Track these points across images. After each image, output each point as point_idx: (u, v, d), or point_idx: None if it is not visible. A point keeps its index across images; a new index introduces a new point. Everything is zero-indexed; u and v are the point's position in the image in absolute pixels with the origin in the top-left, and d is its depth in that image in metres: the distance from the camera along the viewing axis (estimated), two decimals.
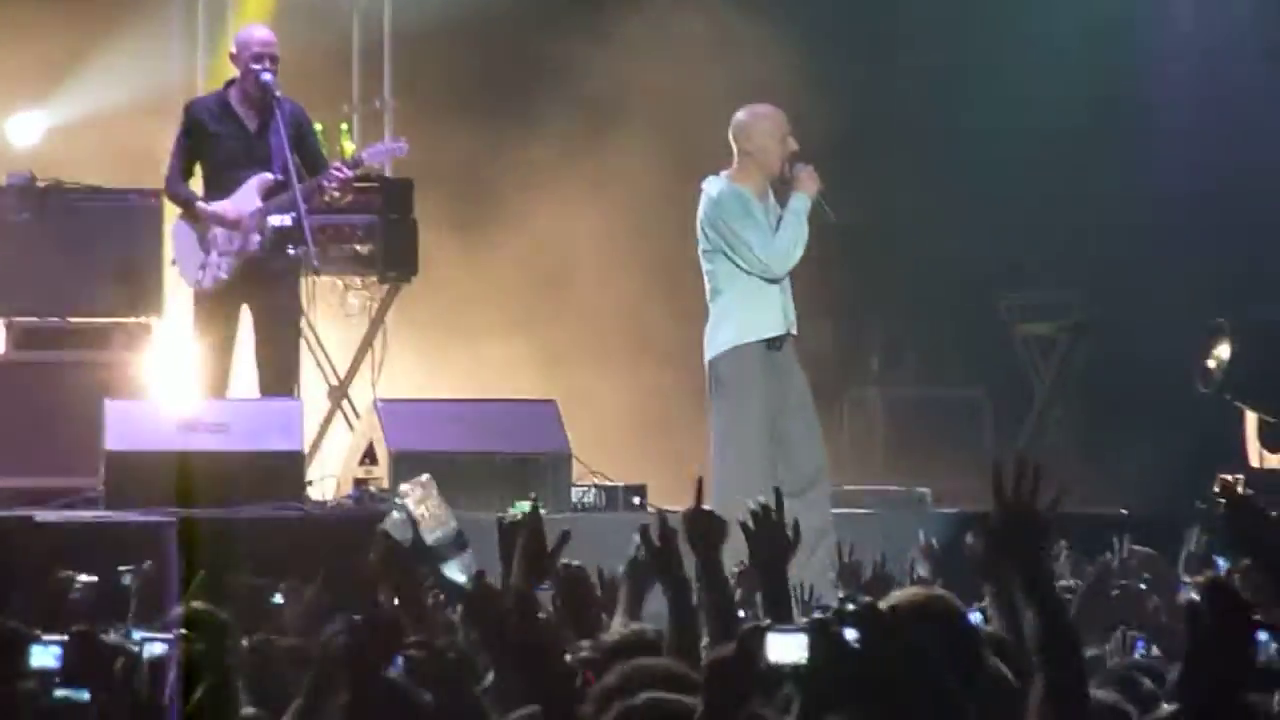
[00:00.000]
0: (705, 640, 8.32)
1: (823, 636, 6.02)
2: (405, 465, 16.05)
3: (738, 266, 15.05)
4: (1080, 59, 21.00)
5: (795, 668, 6.13)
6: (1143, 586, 11.27)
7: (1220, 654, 5.58)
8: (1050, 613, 6.44)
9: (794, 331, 15.45)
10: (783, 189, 15.09)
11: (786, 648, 6.16)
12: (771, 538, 8.38)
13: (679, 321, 17.84)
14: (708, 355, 15.28)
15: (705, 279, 15.28)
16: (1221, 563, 11.17)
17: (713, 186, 15.08)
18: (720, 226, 14.98)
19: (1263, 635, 6.84)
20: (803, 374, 15.47)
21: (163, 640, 8.23)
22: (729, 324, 15.15)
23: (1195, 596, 6.73)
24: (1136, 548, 11.58)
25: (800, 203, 14.89)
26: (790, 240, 14.97)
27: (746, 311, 15.13)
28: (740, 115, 15.26)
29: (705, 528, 8.71)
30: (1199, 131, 20.13)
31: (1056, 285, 21.12)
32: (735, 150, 15.07)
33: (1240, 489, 16.16)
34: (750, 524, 8.38)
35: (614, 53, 20.96)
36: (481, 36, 21.04)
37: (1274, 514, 9.05)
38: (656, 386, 19.26)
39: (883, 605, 6.60)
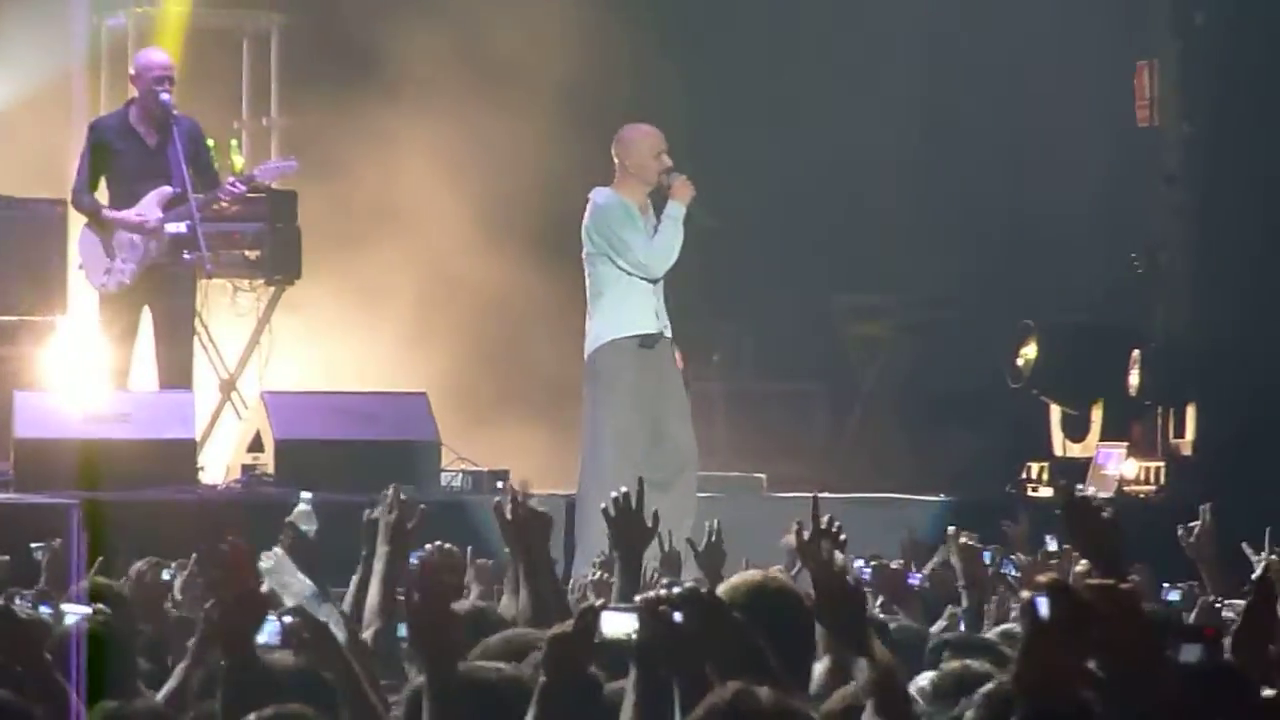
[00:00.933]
0: None
1: (651, 616, 6.14)
2: (289, 452, 16.53)
3: (619, 269, 15.37)
4: (912, 75, 21.09)
5: (627, 641, 6.27)
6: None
7: (1057, 648, 5.37)
8: (879, 672, 6.48)
9: (668, 333, 15.72)
10: (660, 199, 15.46)
11: (619, 624, 6.31)
12: (630, 525, 8.59)
13: (550, 316, 18.16)
14: (586, 350, 15.71)
15: (587, 280, 15.68)
16: (1051, 541, 11.33)
17: (599, 196, 15.41)
18: (605, 231, 15.31)
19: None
20: (678, 372, 15.81)
21: (78, 613, 8.66)
22: (606, 322, 15.50)
23: (1032, 594, 6.17)
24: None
25: (676, 210, 15.23)
26: (667, 243, 15.32)
27: (622, 311, 15.47)
28: (621, 133, 15.65)
29: (529, 524, 9.03)
30: (1011, 153, 20.32)
31: (884, 290, 21.12)
32: (617, 164, 15.44)
33: (1075, 490, 17.15)
34: (611, 511, 8.75)
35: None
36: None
37: (1104, 512, 9.73)
38: (528, 377, 19.21)
39: (720, 589, 6.98)
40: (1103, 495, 17.70)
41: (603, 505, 9.10)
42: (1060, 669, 5.14)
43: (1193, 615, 9.57)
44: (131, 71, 17.23)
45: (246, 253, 18.29)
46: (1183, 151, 19.56)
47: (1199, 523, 11.16)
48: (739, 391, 20.13)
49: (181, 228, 16.65)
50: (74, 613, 8.71)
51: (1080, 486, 16.21)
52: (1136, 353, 19.10)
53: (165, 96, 16.66)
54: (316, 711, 6.71)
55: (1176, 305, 19.65)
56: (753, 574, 7.54)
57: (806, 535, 8.26)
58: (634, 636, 6.16)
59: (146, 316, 16.90)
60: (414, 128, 20.66)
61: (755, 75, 21.14)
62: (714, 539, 10.79)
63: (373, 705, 6.94)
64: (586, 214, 15.48)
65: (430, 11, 20.78)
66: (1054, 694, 5.22)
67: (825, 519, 8.36)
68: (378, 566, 8.91)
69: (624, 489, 8.93)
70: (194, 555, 10.70)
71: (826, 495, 14.01)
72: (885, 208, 20.46)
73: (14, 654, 7.54)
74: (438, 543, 9.14)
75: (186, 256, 16.71)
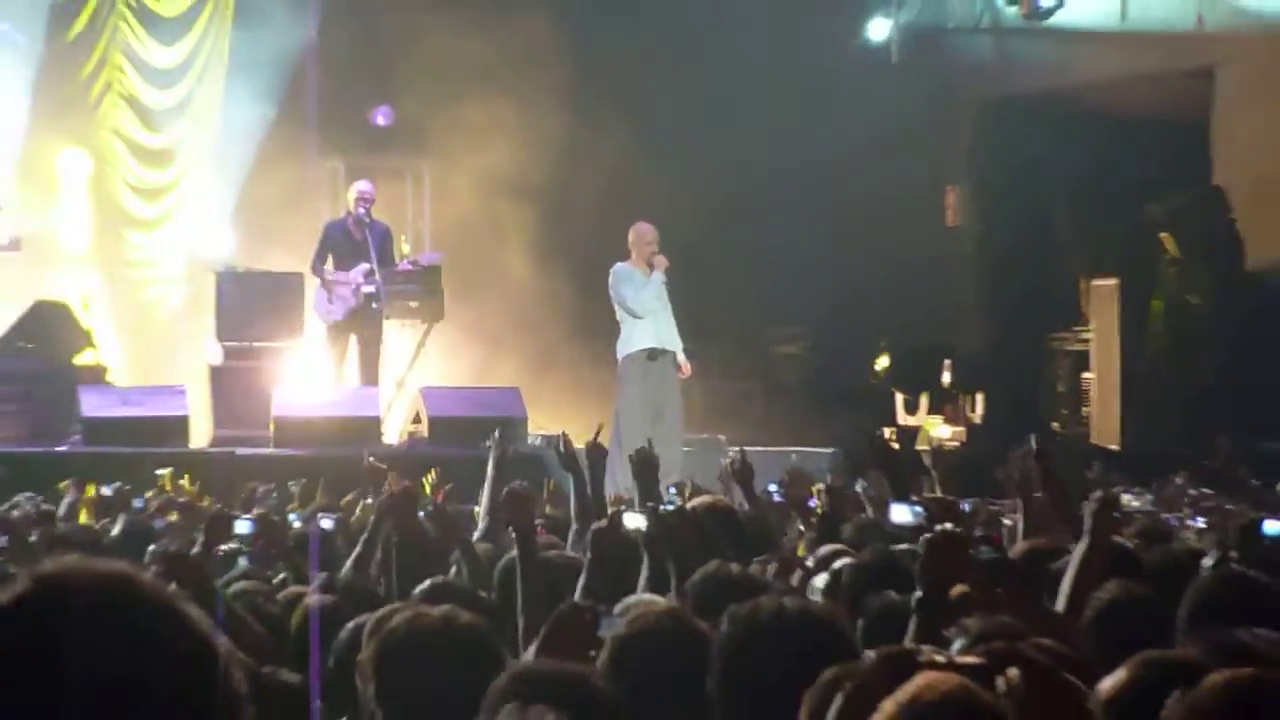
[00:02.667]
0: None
1: (653, 516, 6.08)
2: (437, 424, 16.21)
3: (626, 309, 14.93)
4: (809, 179, 18.82)
5: (638, 531, 6.15)
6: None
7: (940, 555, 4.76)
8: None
9: (668, 348, 15.14)
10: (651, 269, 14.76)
11: (634, 521, 6.20)
12: (644, 465, 8.34)
13: (594, 330, 17.01)
14: (617, 359, 15.24)
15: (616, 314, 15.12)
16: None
17: (616, 266, 14.97)
18: (616, 288, 14.88)
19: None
20: (675, 376, 15.19)
21: (329, 519, 8.98)
22: (624, 342, 15.12)
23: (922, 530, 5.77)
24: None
25: (656, 277, 14.81)
26: (647, 298, 14.84)
27: (633, 335, 15.03)
28: (634, 226, 15.12)
29: (575, 459, 8.70)
30: (872, 234, 18.55)
31: (796, 323, 20.08)
32: (630, 245, 15.00)
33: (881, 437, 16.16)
34: (634, 457, 8.51)
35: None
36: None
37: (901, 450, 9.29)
38: (579, 374, 18.05)
39: (688, 506, 7.00)
40: (925, 449, 15.57)
41: (629, 454, 8.91)
42: (945, 566, 4.69)
43: (981, 525, 8.40)
44: (350, 194, 17.25)
45: (410, 303, 17.81)
46: (972, 240, 19.49)
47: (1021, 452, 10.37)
48: (709, 388, 18.64)
49: (373, 288, 16.71)
50: (327, 519, 8.96)
51: (885, 434, 14.85)
52: (947, 361, 18.77)
53: (363, 210, 16.77)
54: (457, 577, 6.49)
55: (970, 332, 19.37)
56: (708, 496, 7.80)
57: (737, 467, 8.80)
58: (643, 529, 6.10)
59: (352, 341, 16.88)
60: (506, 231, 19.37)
61: (702, 162, 18.86)
62: (740, 463, 9.40)
63: (481, 563, 6.85)
64: (610, 276, 15.15)
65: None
66: (938, 579, 4.71)
67: (741, 458, 8.90)
68: (487, 487, 8.65)
69: (640, 446, 8.75)
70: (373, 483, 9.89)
71: (762, 448, 14.65)
72: (795, 269, 19.04)
73: (275, 548, 7.53)
74: (521, 481, 8.03)
75: (374, 306, 16.78)
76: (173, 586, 2.05)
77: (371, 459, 9.27)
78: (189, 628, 1.89)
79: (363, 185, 17.29)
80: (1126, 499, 9.58)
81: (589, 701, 3.63)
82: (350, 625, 4.86)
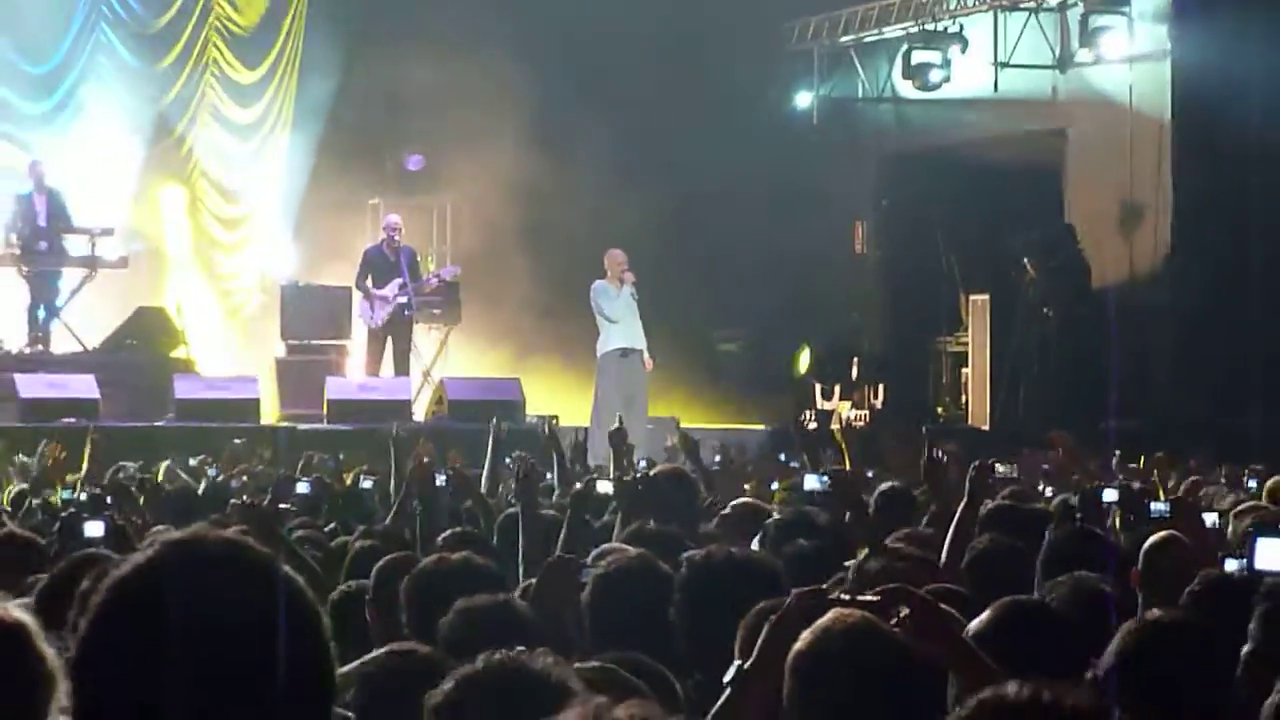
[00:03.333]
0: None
1: (620, 484, 6.09)
2: (457, 405, 15.85)
3: (603, 317, 14.77)
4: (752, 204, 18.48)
5: (606, 495, 6.15)
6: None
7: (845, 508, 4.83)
8: None
9: (637, 347, 14.84)
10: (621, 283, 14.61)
11: (605, 487, 6.21)
12: (618, 439, 8.21)
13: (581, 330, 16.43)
14: (597, 356, 15.11)
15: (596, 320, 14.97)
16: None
17: (595, 283, 14.79)
18: (595, 300, 14.74)
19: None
20: (644, 371, 14.93)
21: (368, 480, 8.55)
22: (602, 343, 15.02)
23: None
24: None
25: (626, 290, 14.63)
26: (619, 307, 14.63)
27: (609, 337, 14.90)
28: (608, 253, 14.96)
29: (557, 439, 8.71)
30: (795, 260, 18.21)
31: (735, 325, 19.53)
32: (606, 266, 14.86)
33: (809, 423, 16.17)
34: (612, 434, 8.39)
35: None
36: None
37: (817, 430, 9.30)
38: (569, 367, 17.33)
39: (651, 473, 6.75)
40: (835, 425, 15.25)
41: (609, 429, 8.80)
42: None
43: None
44: (383, 224, 17.29)
45: (435, 310, 17.70)
46: (875, 265, 19.33)
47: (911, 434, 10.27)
48: (665, 378, 16.43)
49: (405, 299, 16.58)
50: (367, 480, 8.68)
51: (806, 417, 15.47)
52: (855, 359, 18.62)
53: (396, 237, 16.75)
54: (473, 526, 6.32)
55: (874, 336, 19.21)
56: (667, 465, 7.65)
57: (679, 442, 8.70)
58: (612, 492, 6.14)
59: (388, 340, 16.75)
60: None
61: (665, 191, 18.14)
62: (687, 439, 9.15)
63: (492, 512, 6.72)
64: (590, 291, 14.93)
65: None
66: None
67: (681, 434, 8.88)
68: (489, 458, 8.56)
69: (614, 426, 8.69)
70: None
71: (707, 426, 14.81)
72: (736, 284, 18.79)
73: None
74: (526, 457, 8.08)
75: (406, 313, 16.70)
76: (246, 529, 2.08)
77: (401, 431, 9.08)
78: (287, 581, 1.91)
79: (391, 219, 17.30)
80: (999, 469, 9.34)
81: None
82: (385, 560, 4.86)
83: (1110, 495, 6.54)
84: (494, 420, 9.08)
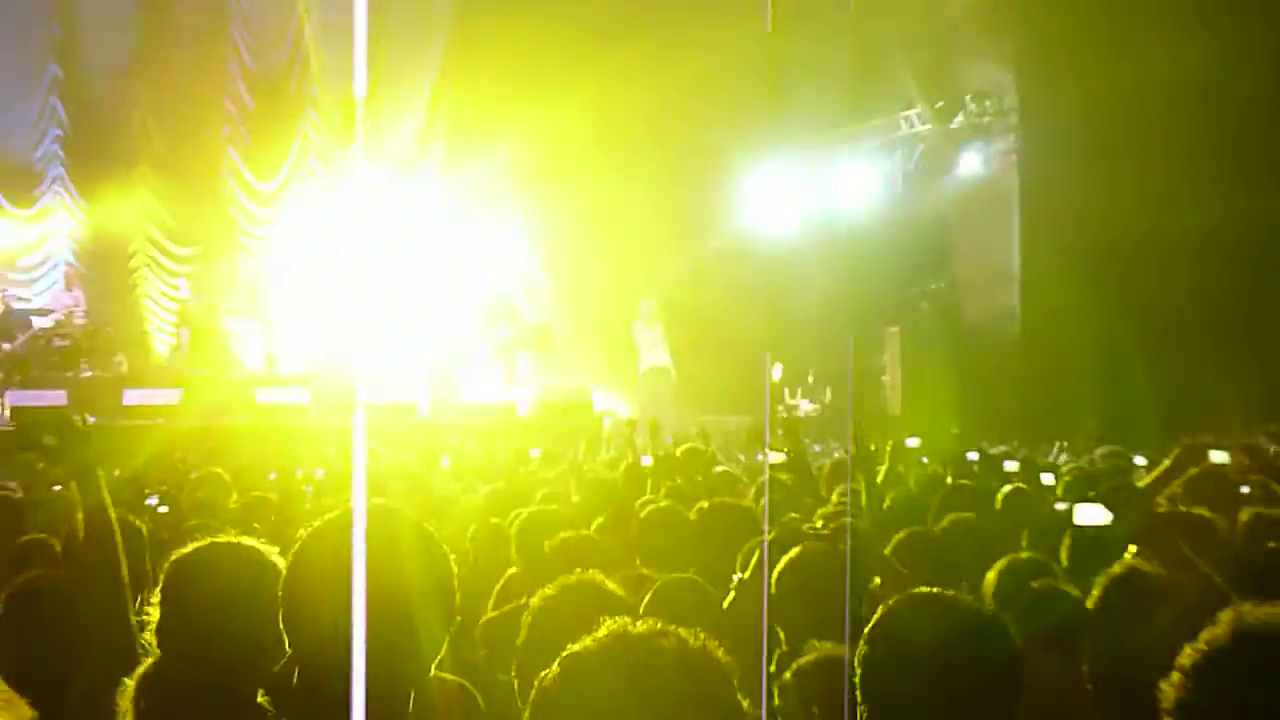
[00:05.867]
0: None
1: (655, 458, 5.64)
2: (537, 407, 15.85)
3: (640, 346, 14.95)
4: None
5: (647, 466, 5.80)
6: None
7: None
8: None
9: (664, 365, 15.84)
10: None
11: (646, 460, 5.73)
12: (655, 431, 7.50)
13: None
14: (639, 372, 15.87)
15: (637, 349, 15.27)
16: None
17: (633, 323, 14.95)
18: (635, 337, 15.31)
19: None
20: (669, 384, 15.46)
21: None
22: (641, 362, 15.69)
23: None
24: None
25: (655, 330, 14.84)
26: (650, 340, 15.12)
27: (644, 360, 15.74)
28: (641, 302, 15.14)
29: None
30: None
31: (737, 348, 17.95)
32: (640, 312, 15.11)
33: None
34: (648, 428, 8.08)
35: None
36: None
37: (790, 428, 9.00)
38: (622, 380, 17.17)
39: (677, 452, 6.93)
40: (800, 416, 17.11)
41: (647, 421, 8.95)
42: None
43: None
44: None
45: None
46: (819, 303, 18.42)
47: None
48: (681, 382, 17.03)
49: None
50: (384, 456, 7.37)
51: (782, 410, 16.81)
52: (811, 370, 18.12)
53: None
54: None
55: (825, 355, 18.42)
56: (688, 444, 7.34)
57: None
58: (649, 464, 5.67)
59: None
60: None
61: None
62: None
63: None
64: (632, 328, 15.29)
65: None
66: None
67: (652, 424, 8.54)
68: (582, 444, 7.97)
69: (651, 418, 8.83)
70: None
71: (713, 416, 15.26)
72: (731, 319, 18.10)
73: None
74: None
75: None
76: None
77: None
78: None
79: None
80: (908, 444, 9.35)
81: None
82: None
83: (973, 455, 7.27)
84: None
